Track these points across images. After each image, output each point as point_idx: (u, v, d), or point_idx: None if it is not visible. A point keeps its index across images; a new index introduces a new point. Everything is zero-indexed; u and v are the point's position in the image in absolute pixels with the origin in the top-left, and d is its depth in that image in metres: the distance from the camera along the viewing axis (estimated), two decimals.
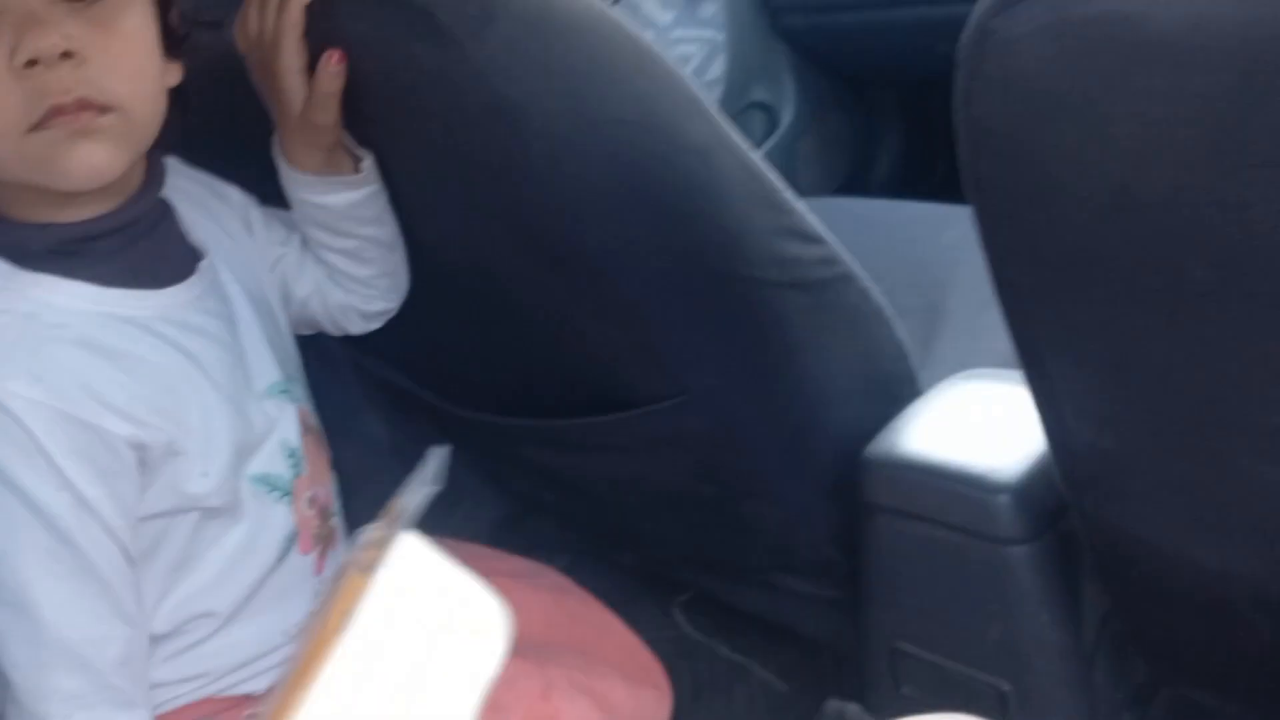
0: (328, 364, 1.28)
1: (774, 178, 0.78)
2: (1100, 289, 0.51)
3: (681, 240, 0.74)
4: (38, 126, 0.61)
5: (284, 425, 0.75)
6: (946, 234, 1.26)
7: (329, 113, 0.72)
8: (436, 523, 1.37)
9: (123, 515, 0.64)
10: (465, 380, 1.03)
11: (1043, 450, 0.75)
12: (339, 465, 1.33)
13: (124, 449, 0.64)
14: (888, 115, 1.93)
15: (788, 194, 0.79)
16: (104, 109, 0.62)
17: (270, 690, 0.50)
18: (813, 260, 0.80)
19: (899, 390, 0.88)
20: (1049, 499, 0.74)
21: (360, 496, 1.34)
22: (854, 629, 0.93)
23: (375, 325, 0.90)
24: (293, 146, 0.76)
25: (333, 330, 0.90)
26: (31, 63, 0.59)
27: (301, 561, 0.76)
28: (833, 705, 1.00)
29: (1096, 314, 0.53)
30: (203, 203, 0.79)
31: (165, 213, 0.74)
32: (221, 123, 0.85)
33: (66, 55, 0.60)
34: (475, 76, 0.65)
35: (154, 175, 0.72)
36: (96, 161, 0.63)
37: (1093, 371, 0.57)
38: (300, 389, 0.81)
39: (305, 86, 0.72)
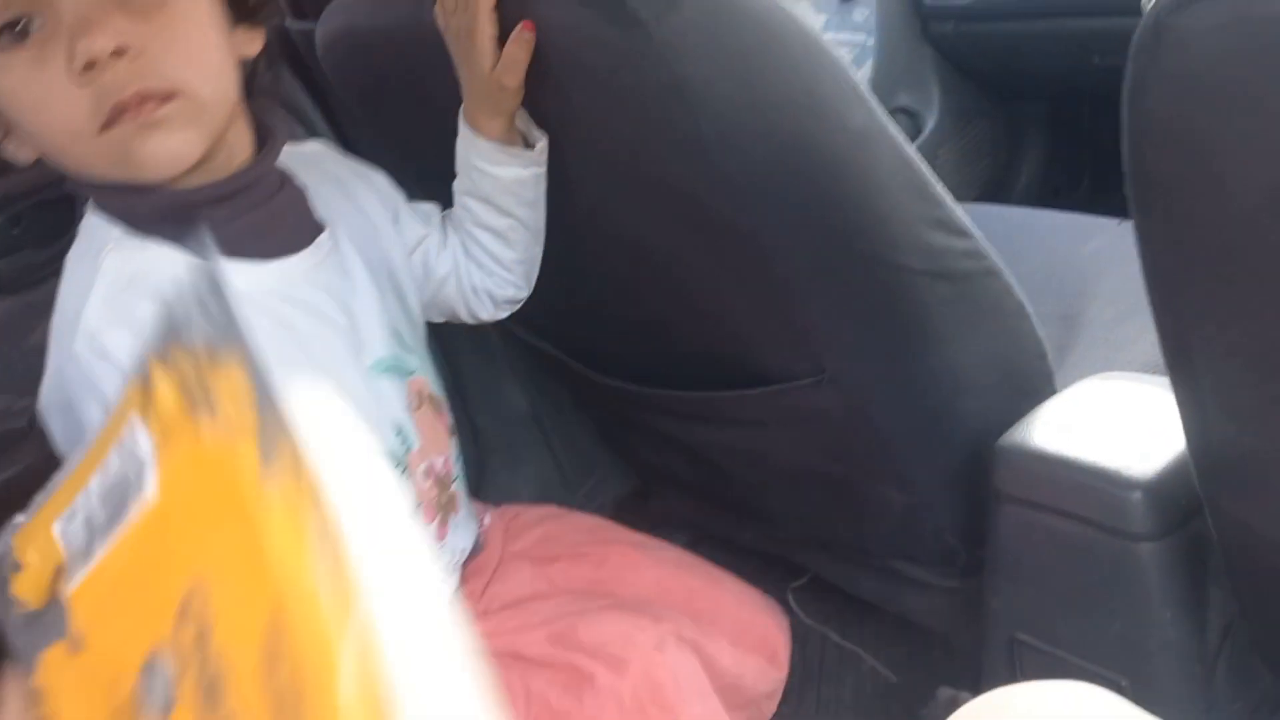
0: (476, 337, 1.35)
1: (927, 170, 0.80)
2: (1256, 282, 0.53)
3: (834, 222, 0.77)
4: (108, 125, 0.62)
5: (390, 402, 0.77)
6: (1088, 245, 1.26)
7: (516, 75, 0.76)
8: (560, 497, 1.43)
9: None
10: (605, 349, 1.08)
11: (1178, 450, 0.75)
12: (479, 432, 1.40)
13: None
14: (1033, 127, 1.91)
15: (939, 186, 0.81)
16: (167, 96, 0.63)
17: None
18: (959, 252, 0.82)
19: (1036, 386, 0.90)
20: (1182, 498, 0.75)
21: (497, 461, 1.41)
22: (970, 619, 0.95)
23: (504, 313, 0.93)
24: (477, 111, 0.81)
25: (465, 315, 0.93)
26: (89, 65, 0.61)
27: (424, 530, 0.78)
28: (945, 693, 1.01)
29: (1250, 307, 0.54)
30: (343, 184, 0.82)
31: (283, 186, 0.76)
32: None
33: (119, 53, 0.61)
34: (657, 57, 0.69)
35: (267, 148, 0.73)
36: (172, 149, 0.64)
37: (1241, 366, 0.58)
38: (418, 361, 0.82)
39: (496, 53, 0.76)
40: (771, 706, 0.98)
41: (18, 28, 0.61)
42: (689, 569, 0.95)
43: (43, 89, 0.62)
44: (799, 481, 1.00)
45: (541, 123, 0.82)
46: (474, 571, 0.87)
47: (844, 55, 1.70)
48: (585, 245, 0.94)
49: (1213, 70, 0.48)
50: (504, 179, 0.83)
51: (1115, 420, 0.82)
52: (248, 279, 0.70)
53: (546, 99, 0.80)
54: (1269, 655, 0.78)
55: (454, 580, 0.84)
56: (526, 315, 1.19)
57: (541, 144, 0.82)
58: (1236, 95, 0.48)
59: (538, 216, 0.87)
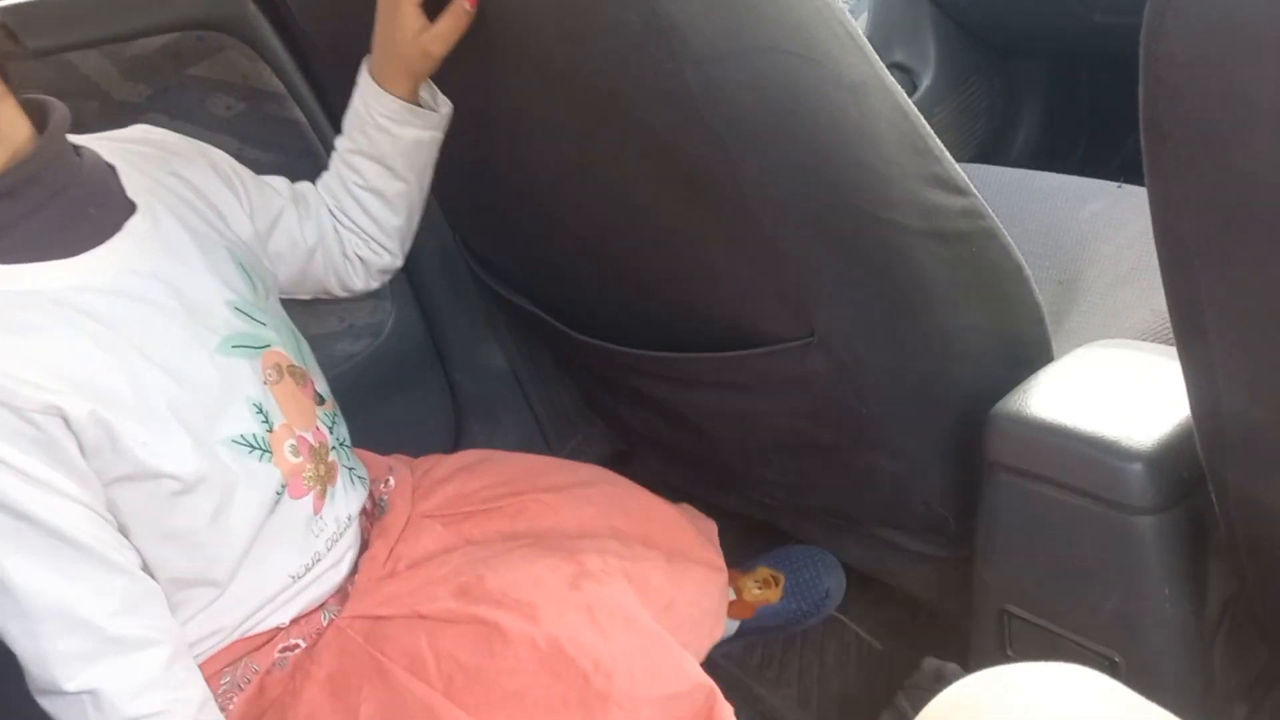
0: (454, 294, 1.31)
1: (925, 125, 0.76)
2: (1276, 243, 0.49)
3: (826, 176, 0.73)
4: None
5: (242, 381, 0.73)
6: (1086, 208, 1.22)
7: (443, 47, 0.74)
8: (544, 454, 1.39)
9: (75, 478, 0.64)
10: (585, 308, 1.04)
11: (1180, 420, 0.73)
12: (457, 391, 1.37)
13: (41, 419, 0.62)
14: (1030, 87, 1.87)
15: (937, 141, 0.77)
16: None
17: None
18: (956, 211, 0.78)
19: (1032, 352, 0.86)
20: (1183, 471, 0.72)
21: (476, 420, 1.38)
22: (958, 590, 0.92)
23: (375, 283, 0.91)
24: (390, 71, 0.79)
25: (336, 288, 0.90)
26: None
27: (295, 506, 0.76)
28: (930, 664, 0.99)
29: (1269, 269, 0.51)
30: (170, 161, 0.78)
31: (80, 170, 0.70)
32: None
33: None
34: None
35: (48, 131, 0.68)
36: None
37: (1256, 334, 0.55)
38: (272, 334, 0.78)
39: (421, 18, 0.74)
40: (719, 620, 0.96)
41: None
42: (615, 508, 0.91)
43: None
44: (785, 447, 0.97)
45: (514, 68, 0.78)
46: (379, 533, 0.84)
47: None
48: (564, 199, 0.90)
49: (1236, 11, 0.44)
50: (405, 140, 0.82)
51: (1114, 389, 0.79)
52: (56, 280, 0.65)
53: (519, 39, 0.76)
54: (1270, 631, 0.75)
55: (341, 546, 0.80)
56: (505, 271, 1.15)
57: (446, 109, 0.81)
58: (1260, 34, 0.44)
59: (424, 184, 0.86)
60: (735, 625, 1.18)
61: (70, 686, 0.63)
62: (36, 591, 0.62)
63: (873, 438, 0.87)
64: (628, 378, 1.05)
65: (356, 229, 0.87)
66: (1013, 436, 0.78)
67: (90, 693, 0.63)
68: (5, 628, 0.63)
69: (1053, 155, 1.85)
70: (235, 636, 0.75)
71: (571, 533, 0.86)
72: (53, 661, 0.63)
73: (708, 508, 1.14)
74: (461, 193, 1.03)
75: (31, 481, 0.62)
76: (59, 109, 0.69)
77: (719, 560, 0.95)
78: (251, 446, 0.73)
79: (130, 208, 0.72)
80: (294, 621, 0.78)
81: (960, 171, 0.79)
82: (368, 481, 0.87)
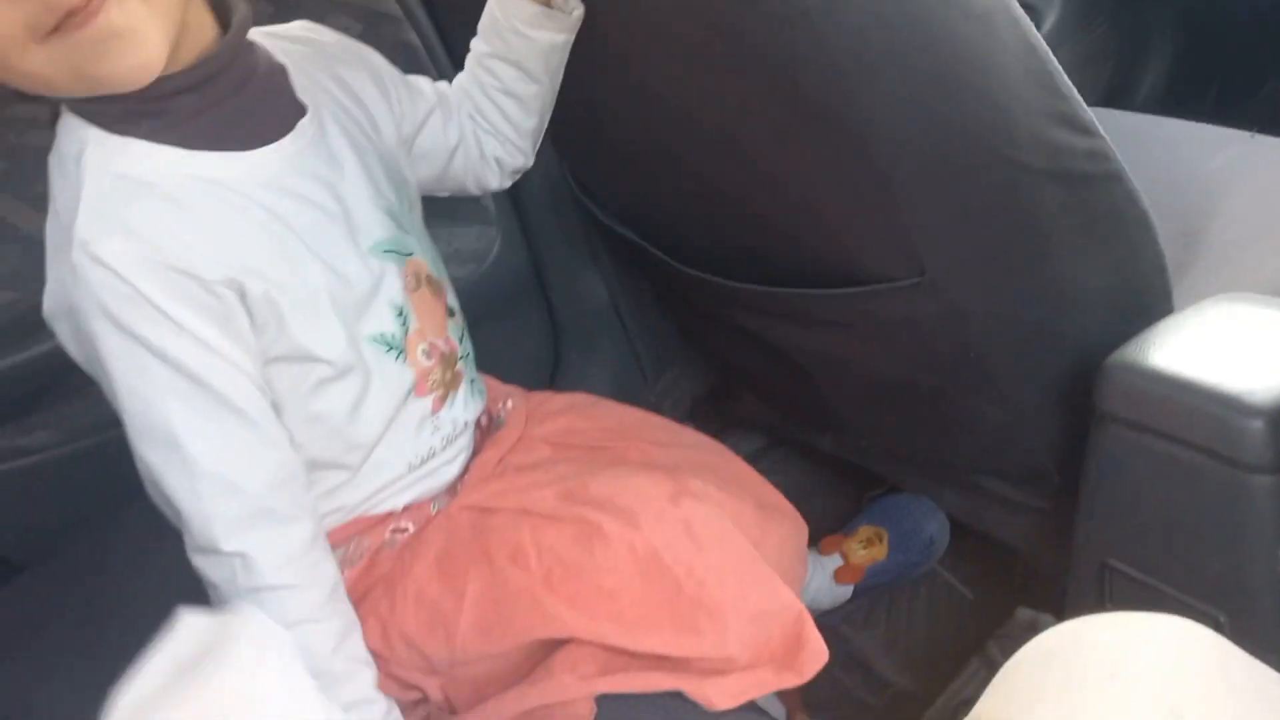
0: (560, 225, 1.32)
1: (1053, 59, 0.73)
2: None
3: (947, 110, 0.71)
4: (54, 33, 0.56)
5: (388, 284, 0.77)
6: (1215, 158, 1.17)
7: None
8: (636, 391, 1.41)
9: (245, 352, 0.67)
10: (692, 240, 1.04)
11: None
12: (558, 321, 1.38)
13: (223, 291, 0.65)
14: (1159, 29, 1.78)
15: (1065, 78, 0.74)
16: None
17: None
18: (1082, 152, 0.76)
19: (1151, 303, 0.84)
20: None
21: (575, 351, 1.39)
22: (1058, 541, 0.90)
23: (509, 183, 0.93)
24: None
25: (473, 187, 0.92)
26: None
27: (418, 404, 0.80)
28: (1024, 614, 0.98)
29: None
30: (331, 63, 0.80)
31: (257, 69, 0.73)
32: None
33: None
34: None
35: (232, 29, 0.69)
36: (138, 61, 0.60)
37: None
38: (415, 243, 0.82)
39: None
40: (801, 571, 0.97)
41: None
42: (712, 451, 0.94)
43: None
44: (886, 390, 0.96)
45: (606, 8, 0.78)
46: (492, 444, 0.88)
47: None
48: (674, 130, 0.89)
49: None
50: (540, 43, 0.83)
51: (1237, 343, 0.76)
52: (228, 170, 0.68)
53: None
54: None
55: (455, 448, 0.84)
56: (611, 202, 1.15)
57: (578, 12, 0.81)
58: None
59: (556, 86, 0.88)
60: (849, 590, 1.18)
61: (226, 546, 0.66)
62: (204, 453, 0.66)
63: (979, 384, 0.86)
64: (730, 313, 1.05)
65: (494, 131, 0.89)
66: (1128, 387, 0.76)
67: (241, 556, 0.67)
68: (172, 484, 0.66)
69: (1181, 102, 1.76)
70: (353, 516, 0.80)
71: (666, 464, 0.87)
72: (214, 520, 0.66)
73: (803, 447, 1.14)
74: (571, 121, 1.03)
75: (209, 349, 0.65)
76: (241, 9, 0.72)
77: (800, 519, 0.95)
78: (389, 346, 0.77)
79: (300, 109, 0.75)
80: (406, 508, 0.82)
81: (1088, 111, 0.76)
82: (486, 396, 0.91)
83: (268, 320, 0.68)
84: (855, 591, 1.19)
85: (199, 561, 0.68)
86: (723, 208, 0.95)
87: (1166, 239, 0.86)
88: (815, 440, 1.20)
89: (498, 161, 0.91)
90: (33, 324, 1.04)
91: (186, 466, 0.65)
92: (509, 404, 0.93)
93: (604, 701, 0.75)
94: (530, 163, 0.93)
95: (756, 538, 0.83)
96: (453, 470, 0.85)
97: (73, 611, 0.98)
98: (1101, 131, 0.76)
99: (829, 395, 1.07)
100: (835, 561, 1.18)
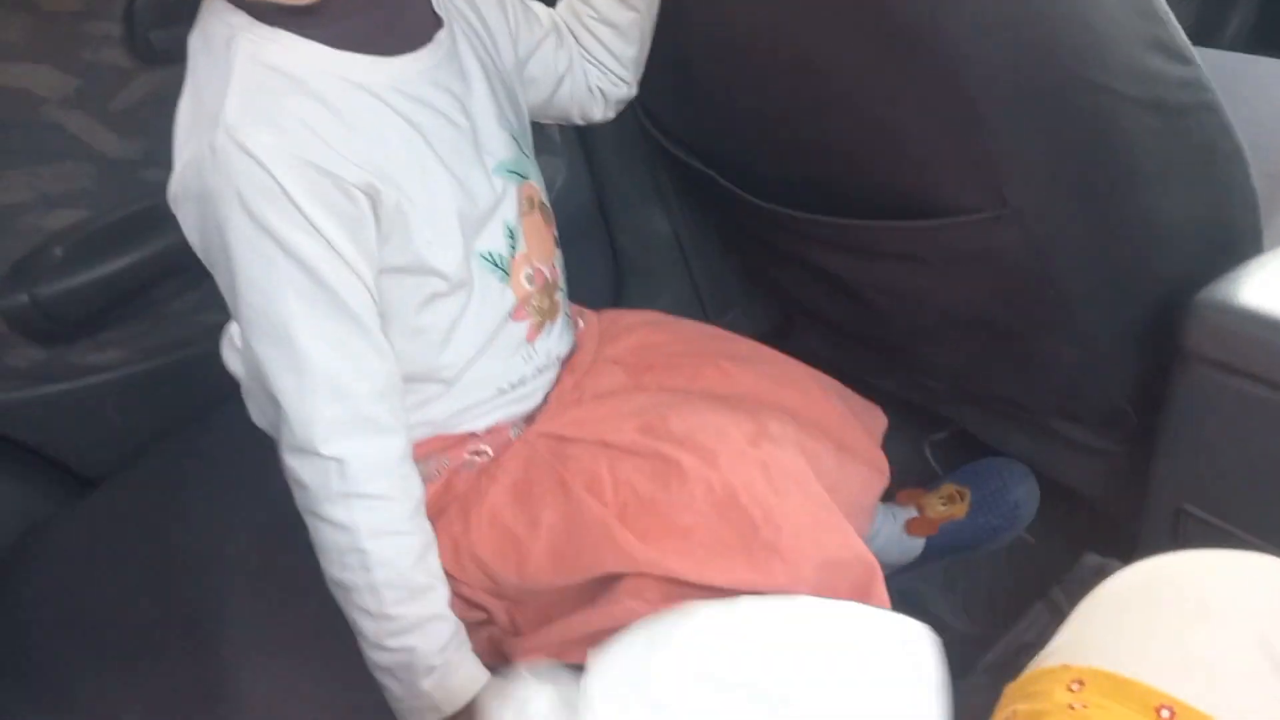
0: (623, 156, 1.30)
1: None
2: None
3: (1039, 32, 0.68)
4: None
5: (506, 204, 0.78)
6: None
7: None
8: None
9: (366, 260, 0.68)
10: (760, 170, 1.02)
11: None
12: (619, 252, 1.37)
13: (358, 195, 0.66)
14: None
15: (1162, 2, 0.71)
16: None
17: None
18: (1177, 81, 0.73)
19: (1241, 241, 0.81)
20: None
21: (635, 283, 1.38)
22: (1127, 486, 0.89)
23: (612, 114, 0.93)
24: None
25: (577, 116, 0.92)
26: None
27: (515, 328, 0.81)
28: (1092, 560, 0.97)
29: None
30: None
31: None
32: None
33: None
34: None
35: None
36: None
37: None
38: (531, 167, 0.82)
39: None
40: (870, 519, 0.95)
41: None
42: (792, 383, 0.92)
43: None
44: (959, 327, 0.94)
45: None
46: (568, 370, 0.88)
47: None
48: (746, 57, 0.87)
49: None
50: None
51: None
52: (372, 74, 0.69)
53: None
54: None
55: (543, 379, 0.85)
56: (680, 131, 1.13)
57: None
58: None
59: (653, 12, 0.87)
60: (919, 545, 1.14)
61: (325, 450, 0.67)
62: (317, 353, 0.66)
63: (1058, 321, 0.84)
64: (798, 246, 1.03)
65: (595, 61, 0.88)
66: (1216, 327, 0.73)
67: (338, 460, 0.67)
68: (279, 381, 0.67)
69: (1269, 41, 1.69)
70: (437, 432, 0.80)
71: (750, 399, 0.87)
72: (315, 423, 0.67)
73: (867, 389, 1.12)
74: None
75: (335, 253, 0.66)
76: None
77: (883, 464, 0.94)
78: (495, 265, 0.77)
79: (437, 21, 0.75)
80: (487, 431, 0.82)
81: (1185, 37, 0.73)
82: (576, 333, 0.91)
83: (393, 229, 0.69)
84: (928, 548, 1.14)
85: (293, 462, 0.69)
86: (797, 135, 0.92)
87: (1256, 178, 0.83)
88: (880, 380, 1.18)
89: (601, 92, 0.90)
90: (105, 242, 1.06)
91: (297, 364, 0.66)
92: (581, 324, 0.93)
93: None
94: (634, 92, 0.92)
95: (834, 482, 0.82)
96: (534, 400, 0.85)
97: (141, 526, 1.00)
98: (1197, 59, 0.73)
99: (897, 332, 1.05)
100: (910, 513, 1.14)
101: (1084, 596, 0.56)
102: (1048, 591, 1.02)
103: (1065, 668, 0.50)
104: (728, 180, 1.04)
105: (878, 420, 0.98)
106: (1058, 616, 0.56)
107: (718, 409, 0.81)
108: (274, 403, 0.67)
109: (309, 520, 0.70)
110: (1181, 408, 0.77)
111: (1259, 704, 0.45)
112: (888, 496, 1.13)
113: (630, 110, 1.23)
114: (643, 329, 0.94)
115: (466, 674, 0.74)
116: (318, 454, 0.67)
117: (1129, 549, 0.89)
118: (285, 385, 0.67)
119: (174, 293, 1.10)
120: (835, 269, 1.00)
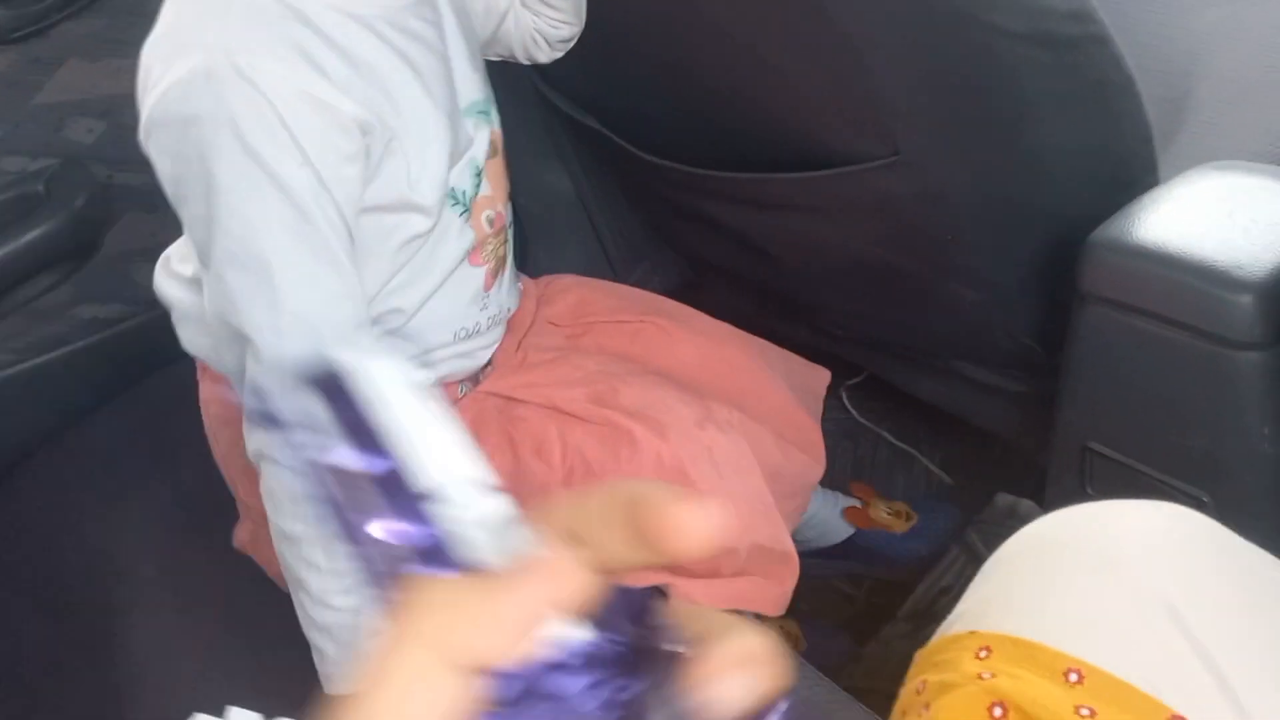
0: (517, 113, 1.26)
1: None
2: None
3: None
4: None
5: (478, 144, 0.76)
6: (1204, 16, 1.12)
7: None
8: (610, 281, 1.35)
9: (350, 201, 0.65)
10: (654, 126, 0.99)
11: None
12: (521, 212, 1.33)
13: (354, 130, 0.64)
14: None
15: None
16: None
17: None
18: (1063, 13, 0.71)
19: (1136, 175, 0.80)
20: None
21: (540, 244, 1.35)
22: (1036, 425, 0.89)
23: (559, 54, 0.90)
24: None
25: (523, 57, 0.90)
26: None
27: (472, 273, 0.79)
28: (1004, 499, 0.97)
29: None
30: None
31: None
32: None
33: None
34: None
35: None
36: None
37: None
38: (496, 112, 0.81)
39: None
40: (805, 504, 0.97)
41: None
42: (728, 342, 0.92)
43: None
44: (860, 275, 0.93)
45: None
46: (509, 329, 0.87)
47: None
48: (635, 11, 0.84)
49: None
50: None
51: (1224, 215, 0.73)
52: (365, 4, 0.67)
53: None
54: None
55: (493, 334, 0.84)
56: (571, 87, 1.09)
57: None
58: None
59: None
60: (849, 530, 1.14)
61: None
62: (294, 288, 0.64)
63: (957, 266, 0.83)
64: (699, 202, 1.01)
65: (528, 4, 0.85)
66: (1111, 265, 0.72)
67: None
68: (250, 315, 0.64)
69: None
70: None
71: (692, 374, 0.87)
72: (285, 358, 0.64)
73: (778, 339, 1.11)
74: None
75: (324, 188, 0.63)
76: None
77: (821, 452, 0.95)
78: (458, 202, 0.75)
79: None
80: (434, 384, 0.80)
81: None
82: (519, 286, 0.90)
83: (383, 164, 0.67)
84: (851, 540, 1.14)
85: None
86: (690, 91, 0.90)
87: (1150, 105, 0.82)
88: (790, 331, 1.17)
89: (542, 35, 0.88)
90: None
91: (273, 298, 0.63)
92: (519, 284, 0.92)
93: None
94: (577, 29, 0.88)
95: (775, 468, 0.84)
96: (484, 356, 0.84)
97: (29, 537, 0.96)
98: None
99: (801, 283, 1.04)
100: (853, 503, 1.15)
101: (998, 539, 0.55)
102: (963, 533, 1.02)
103: (972, 634, 0.49)
104: (624, 139, 1.01)
105: (820, 379, 0.98)
106: (974, 559, 0.55)
107: (665, 386, 0.82)
108: (237, 335, 0.65)
109: (263, 466, 0.68)
110: (1082, 347, 0.77)
111: (1162, 658, 0.44)
112: (842, 484, 1.14)
113: (523, 69, 1.19)
114: (578, 289, 0.94)
115: None
116: None
117: (1039, 488, 0.90)
118: (258, 321, 0.64)
119: (45, 288, 1.04)
120: (734, 223, 0.98)
